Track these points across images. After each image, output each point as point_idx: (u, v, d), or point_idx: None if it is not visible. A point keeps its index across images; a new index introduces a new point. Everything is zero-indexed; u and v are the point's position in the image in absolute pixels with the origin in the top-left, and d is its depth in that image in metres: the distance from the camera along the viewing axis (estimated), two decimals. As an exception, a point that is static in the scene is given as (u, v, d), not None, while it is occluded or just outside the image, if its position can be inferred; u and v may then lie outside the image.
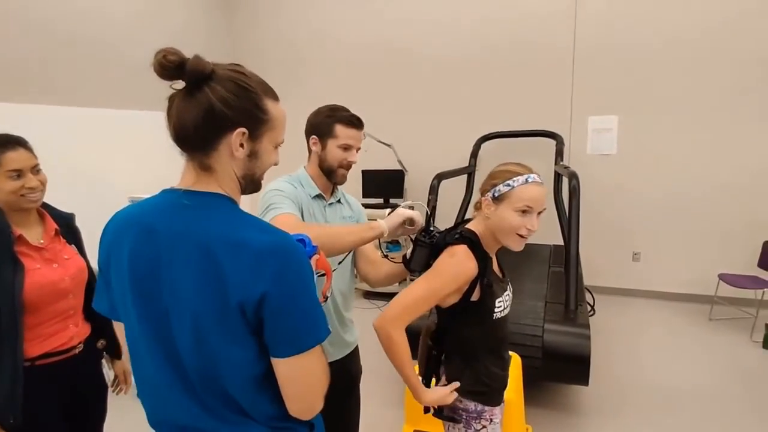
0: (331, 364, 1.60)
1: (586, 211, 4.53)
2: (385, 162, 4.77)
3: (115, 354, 1.75)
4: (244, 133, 0.83)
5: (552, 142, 4.26)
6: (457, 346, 1.31)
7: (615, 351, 3.42)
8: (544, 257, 4.00)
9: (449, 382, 1.34)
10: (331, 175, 1.56)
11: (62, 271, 1.48)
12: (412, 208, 1.45)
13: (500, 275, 1.35)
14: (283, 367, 0.81)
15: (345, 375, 1.72)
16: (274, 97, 0.88)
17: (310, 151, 1.59)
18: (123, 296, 0.84)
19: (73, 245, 1.59)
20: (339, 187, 1.68)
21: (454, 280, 1.20)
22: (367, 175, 4.96)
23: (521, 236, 1.22)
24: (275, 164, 0.94)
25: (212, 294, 0.77)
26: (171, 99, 0.81)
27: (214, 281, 0.76)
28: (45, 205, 1.56)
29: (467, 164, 4.30)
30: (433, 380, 1.37)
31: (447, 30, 4.82)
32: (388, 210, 1.42)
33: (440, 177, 3.47)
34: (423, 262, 1.32)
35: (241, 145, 0.84)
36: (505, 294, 1.31)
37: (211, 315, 0.77)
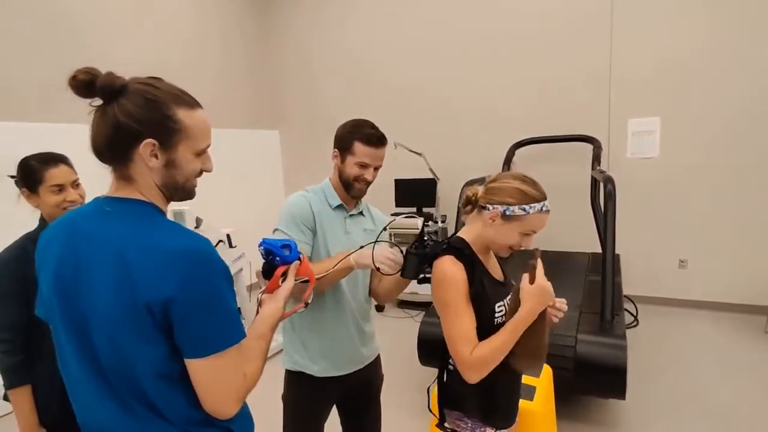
0: (349, 375, 1.63)
1: (628, 217, 4.37)
2: (417, 171, 4.78)
3: None
4: (154, 144, 0.86)
5: (589, 147, 4.13)
6: None
7: (658, 364, 3.25)
8: (582, 265, 3.87)
9: (449, 397, 1.34)
10: (348, 189, 1.60)
11: None
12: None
13: (500, 279, 1.33)
14: (193, 368, 0.85)
15: (364, 385, 1.73)
16: (189, 105, 0.90)
17: None
18: (50, 300, 0.89)
19: None
20: (363, 199, 1.72)
21: (457, 288, 1.21)
22: (399, 183, 4.98)
23: (512, 249, 1.26)
24: (207, 171, 0.97)
25: (123, 295, 0.81)
26: (92, 121, 0.86)
27: (125, 283, 0.80)
28: None
29: (500, 171, 4.24)
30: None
31: (478, 34, 4.80)
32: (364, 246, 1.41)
33: (470, 184, 3.44)
34: (414, 271, 1.34)
35: (155, 156, 0.87)
36: (508, 298, 1.29)
37: (122, 315, 0.81)
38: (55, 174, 1.48)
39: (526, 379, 2.20)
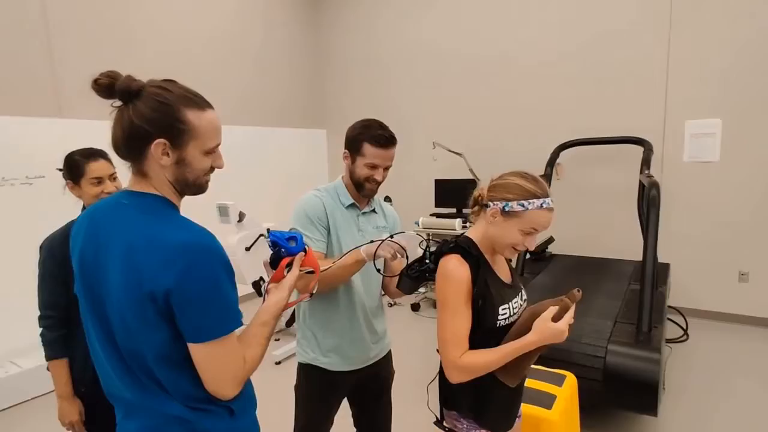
0: (360, 369, 1.66)
1: (682, 224, 4.11)
2: (457, 171, 4.74)
3: None
4: (165, 144, 0.92)
5: (640, 150, 3.92)
6: None
7: (704, 382, 3.04)
8: (626, 274, 3.69)
9: (447, 396, 1.34)
10: (359, 189, 1.62)
11: None
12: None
13: (508, 280, 1.31)
14: (194, 352, 0.92)
15: (375, 379, 1.76)
16: (199, 107, 0.95)
17: None
18: (77, 283, 0.98)
19: None
20: (375, 198, 1.75)
21: (459, 288, 1.20)
22: (439, 184, 4.96)
23: (516, 249, 1.23)
24: (218, 167, 1.03)
25: (130, 283, 0.88)
26: (114, 119, 0.94)
27: (132, 272, 0.88)
28: None
29: (542, 173, 4.11)
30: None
31: (523, 34, 4.68)
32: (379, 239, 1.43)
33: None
34: (409, 289, 1.37)
35: (166, 154, 0.93)
36: (514, 301, 1.27)
37: (129, 301, 0.89)
38: (95, 167, 1.62)
39: (546, 387, 2.14)
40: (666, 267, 3.93)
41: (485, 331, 1.23)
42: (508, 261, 1.44)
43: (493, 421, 1.31)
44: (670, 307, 4.05)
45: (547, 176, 4.07)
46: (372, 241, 1.44)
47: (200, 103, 0.97)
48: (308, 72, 6.03)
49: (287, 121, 5.69)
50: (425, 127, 5.28)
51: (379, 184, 1.61)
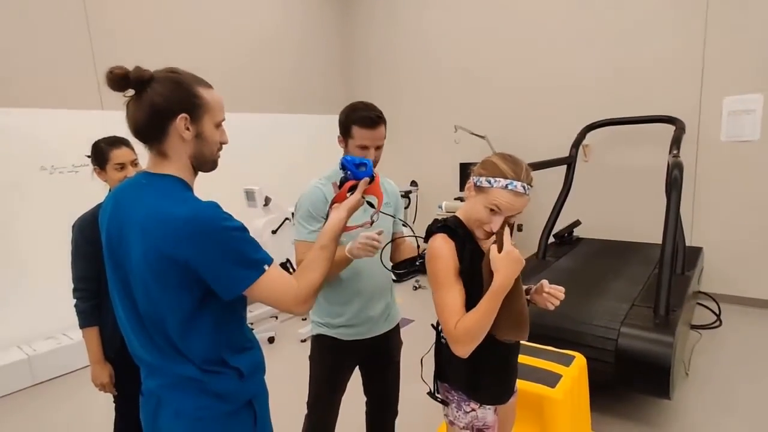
0: (370, 339, 1.74)
1: (719, 207, 3.94)
2: (482, 154, 4.71)
3: None
4: (186, 118, 1.02)
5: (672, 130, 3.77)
6: None
7: (731, 369, 2.94)
8: (652, 258, 3.58)
9: (440, 369, 1.40)
10: None
11: None
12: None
13: None
14: (250, 297, 1.04)
15: (384, 349, 1.84)
16: (207, 85, 1.07)
17: None
18: (105, 258, 1.09)
19: None
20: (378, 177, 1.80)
21: (446, 264, 1.24)
22: (464, 167, 4.94)
23: (485, 231, 1.24)
24: (225, 143, 1.12)
25: (150, 253, 0.97)
26: (128, 105, 1.02)
27: (151, 242, 0.97)
28: None
29: (567, 155, 4.03)
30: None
31: (547, 11, 4.55)
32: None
33: (527, 168, 3.33)
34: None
35: (187, 129, 1.02)
36: None
37: (151, 270, 0.98)
38: (118, 154, 1.77)
39: (552, 367, 2.16)
40: (698, 251, 3.79)
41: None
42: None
43: (483, 394, 1.34)
44: (702, 292, 3.92)
45: (572, 158, 3.99)
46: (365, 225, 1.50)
47: (206, 82, 1.08)
48: (336, 59, 6.11)
49: (315, 108, 5.81)
50: (450, 110, 5.26)
51: (375, 163, 1.63)
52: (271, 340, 3.77)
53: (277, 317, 4.16)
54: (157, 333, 1.03)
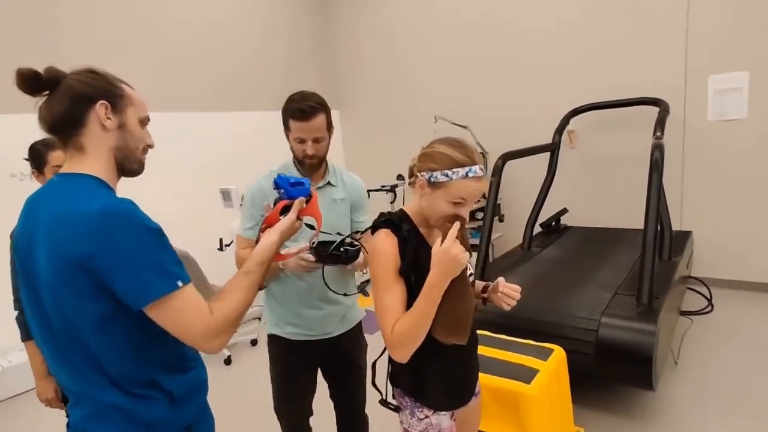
0: (322, 342, 1.65)
1: (707, 189, 3.85)
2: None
3: None
4: (107, 106, 0.95)
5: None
6: None
7: (721, 356, 2.85)
8: (640, 244, 3.48)
9: (393, 373, 1.30)
10: (302, 165, 1.60)
11: None
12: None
13: None
14: (151, 316, 0.90)
15: (340, 352, 1.76)
16: (124, 83, 1.02)
17: None
18: (17, 271, 0.99)
19: None
20: (336, 169, 1.71)
21: (385, 262, 1.15)
22: (449, 159, 4.85)
23: (451, 224, 1.14)
24: (151, 146, 1.04)
25: (53, 255, 0.87)
26: (40, 108, 0.94)
27: (54, 244, 0.87)
28: None
29: (552, 141, 3.93)
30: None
31: (532, -3, 4.43)
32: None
33: (506, 157, 3.23)
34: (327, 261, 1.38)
35: (109, 118, 0.95)
36: None
37: (58, 274, 0.87)
38: (56, 156, 1.68)
39: (528, 361, 2.07)
40: (686, 235, 3.69)
41: None
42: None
43: (435, 400, 1.25)
44: (692, 277, 3.83)
45: (555, 144, 3.89)
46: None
47: (125, 82, 1.02)
48: (319, 54, 5.99)
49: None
50: (433, 100, 5.15)
51: (315, 157, 1.56)
52: (254, 342, 3.69)
53: (260, 319, 4.08)
54: (75, 353, 0.92)
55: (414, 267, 1.15)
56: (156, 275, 0.89)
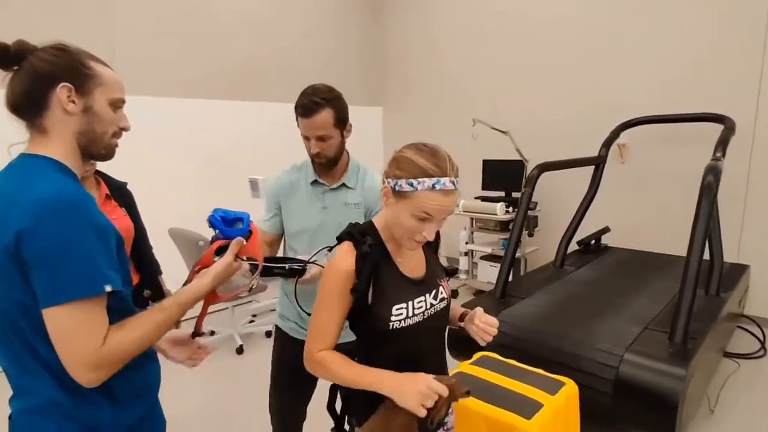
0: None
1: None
2: (507, 151, 4.39)
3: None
4: (70, 89, 0.88)
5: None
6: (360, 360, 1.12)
7: (766, 409, 2.53)
8: (686, 273, 3.18)
9: (344, 401, 1.20)
10: (314, 164, 1.56)
11: None
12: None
13: (417, 275, 1.12)
14: (46, 320, 0.81)
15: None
16: (100, 61, 0.95)
17: None
18: None
19: (123, 208, 1.90)
20: (361, 168, 1.64)
21: (334, 279, 1.05)
22: (487, 165, 4.64)
23: (416, 241, 1.03)
24: (125, 129, 0.97)
25: None
26: (6, 85, 0.89)
27: None
28: (101, 174, 1.88)
29: (597, 154, 3.65)
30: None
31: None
32: None
33: (543, 168, 3.02)
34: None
35: (72, 102, 0.89)
36: (419, 300, 1.09)
37: None
38: None
39: (533, 393, 1.89)
40: (742, 269, 3.33)
41: (377, 333, 1.07)
42: (431, 252, 1.22)
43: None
44: (745, 316, 3.46)
45: (601, 158, 3.61)
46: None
47: (100, 60, 0.95)
48: (365, 49, 5.93)
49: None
50: (473, 104, 4.95)
51: (322, 156, 1.48)
52: (268, 334, 3.69)
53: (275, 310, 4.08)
54: (16, 342, 0.87)
55: (372, 284, 1.04)
56: (73, 276, 0.81)
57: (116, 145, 1.00)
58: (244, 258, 1.06)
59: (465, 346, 2.49)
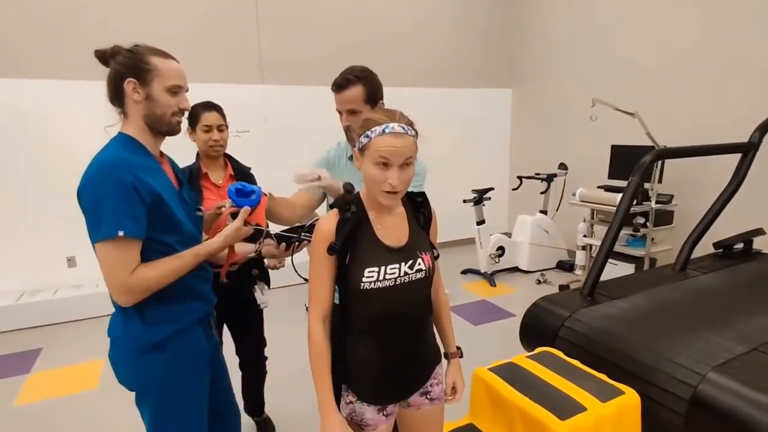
0: None
1: None
2: (636, 134, 3.91)
3: (267, 282, 2.22)
4: (135, 83, 1.19)
5: None
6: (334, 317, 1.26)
7: None
8: None
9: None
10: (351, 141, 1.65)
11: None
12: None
13: (396, 243, 1.21)
14: (96, 250, 1.14)
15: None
16: (163, 56, 1.22)
17: None
18: None
19: None
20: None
21: (319, 241, 1.19)
22: (616, 151, 4.19)
23: (387, 192, 1.13)
24: (185, 109, 1.25)
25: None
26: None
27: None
28: (230, 158, 2.16)
29: (745, 140, 3.03)
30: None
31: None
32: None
33: (660, 155, 2.66)
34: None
35: (137, 92, 1.20)
36: (392, 266, 1.18)
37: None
38: (207, 116, 1.99)
39: (581, 396, 1.80)
40: None
41: (350, 293, 1.19)
42: (419, 228, 1.28)
43: (356, 385, 1.24)
44: None
45: (753, 145, 2.99)
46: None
47: (164, 53, 1.25)
48: (495, 31, 5.75)
49: (469, 82, 5.64)
50: (607, 88, 4.47)
51: (352, 129, 1.55)
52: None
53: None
54: None
55: (350, 247, 1.16)
56: (102, 221, 1.10)
57: (178, 122, 1.27)
58: (252, 224, 1.30)
59: (535, 338, 2.42)
